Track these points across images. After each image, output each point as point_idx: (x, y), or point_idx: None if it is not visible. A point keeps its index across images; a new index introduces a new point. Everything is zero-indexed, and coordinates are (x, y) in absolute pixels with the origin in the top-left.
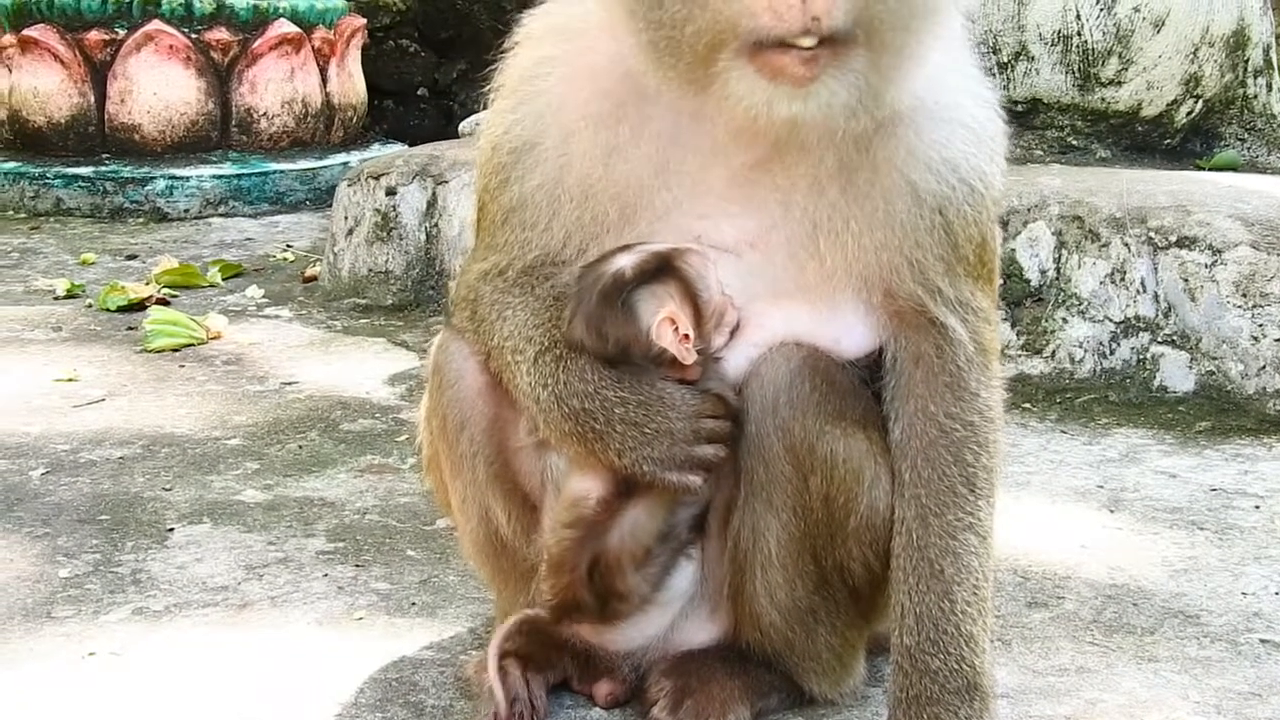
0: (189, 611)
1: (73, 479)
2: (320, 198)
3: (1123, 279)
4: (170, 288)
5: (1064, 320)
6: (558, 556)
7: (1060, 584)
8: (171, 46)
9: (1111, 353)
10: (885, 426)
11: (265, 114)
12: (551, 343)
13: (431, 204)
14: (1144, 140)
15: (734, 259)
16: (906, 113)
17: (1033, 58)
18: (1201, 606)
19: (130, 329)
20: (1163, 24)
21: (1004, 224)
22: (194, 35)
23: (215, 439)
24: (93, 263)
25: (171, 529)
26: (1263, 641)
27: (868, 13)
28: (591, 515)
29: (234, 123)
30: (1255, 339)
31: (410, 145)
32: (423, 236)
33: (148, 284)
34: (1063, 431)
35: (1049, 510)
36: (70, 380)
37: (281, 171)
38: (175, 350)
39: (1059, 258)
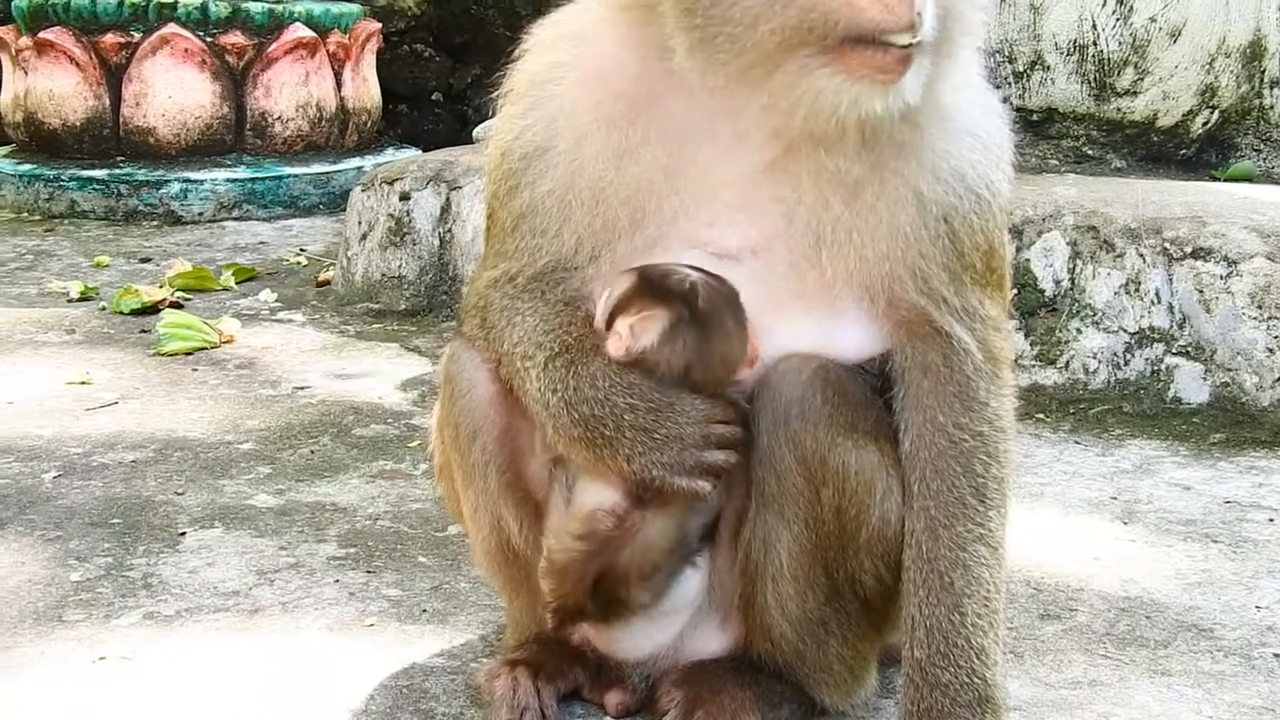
0: (200, 616)
1: (85, 482)
2: (334, 202)
3: (1137, 290)
4: (184, 291)
5: (1078, 331)
6: (563, 565)
7: (1073, 596)
8: (187, 50)
9: (1126, 364)
10: (897, 437)
11: (280, 118)
12: (562, 348)
13: (445, 209)
14: (1159, 150)
15: (735, 265)
16: (916, 119)
17: (1048, 67)
18: (1215, 620)
19: (144, 332)
20: (1179, 34)
21: (1018, 233)
22: (209, 39)
23: (227, 443)
24: (107, 265)
25: (183, 533)
26: (1276, 656)
27: (940, 15)
28: (605, 530)
29: (248, 126)
30: (1270, 351)
31: (424, 150)
32: (436, 242)
33: (161, 287)
34: (1076, 442)
35: (1062, 521)
36: (83, 383)
37: (295, 175)
38: (188, 354)
39: (1073, 268)
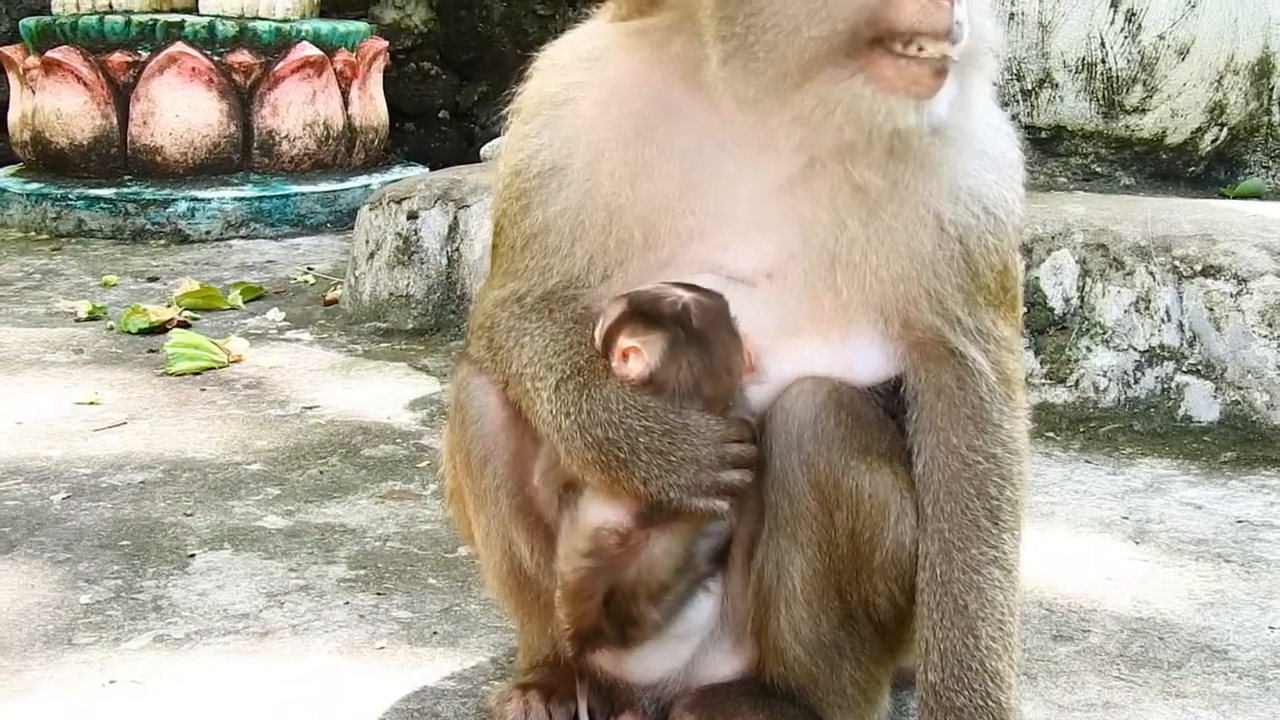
0: (210, 639)
1: (94, 504)
2: (341, 220)
3: (1147, 308)
4: (191, 310)
5: (1088, 349)
6: (574, 585)
7: (1086, 617)
8: (194, 69)
9: (1136, 382)
10: (910, 459)
11: (287, 136)
12: (573, 370)
13: (453, 228)
14: (1168, 168)
15: (750, 289)
16: (939, 137)
17: (1057, 85)
18: (1229, 641)
19: (151, 352)
20: (1187, 52)
21: (1028, 251)
22: (216, 58)
23: (236, 464)
24: (114, 285)
25: (192, 555)
26: None
27: (972, 33)
28: (611, 546)
29: (255, 145)
30: None
31: (431, 168)
32: (444, 260)
33: (169, 306)
34: (1087, 461)
35: (1073, 541)
36: (91, 403)
37: (303, 194)
38: (196, 374)
39: (1083, 286)
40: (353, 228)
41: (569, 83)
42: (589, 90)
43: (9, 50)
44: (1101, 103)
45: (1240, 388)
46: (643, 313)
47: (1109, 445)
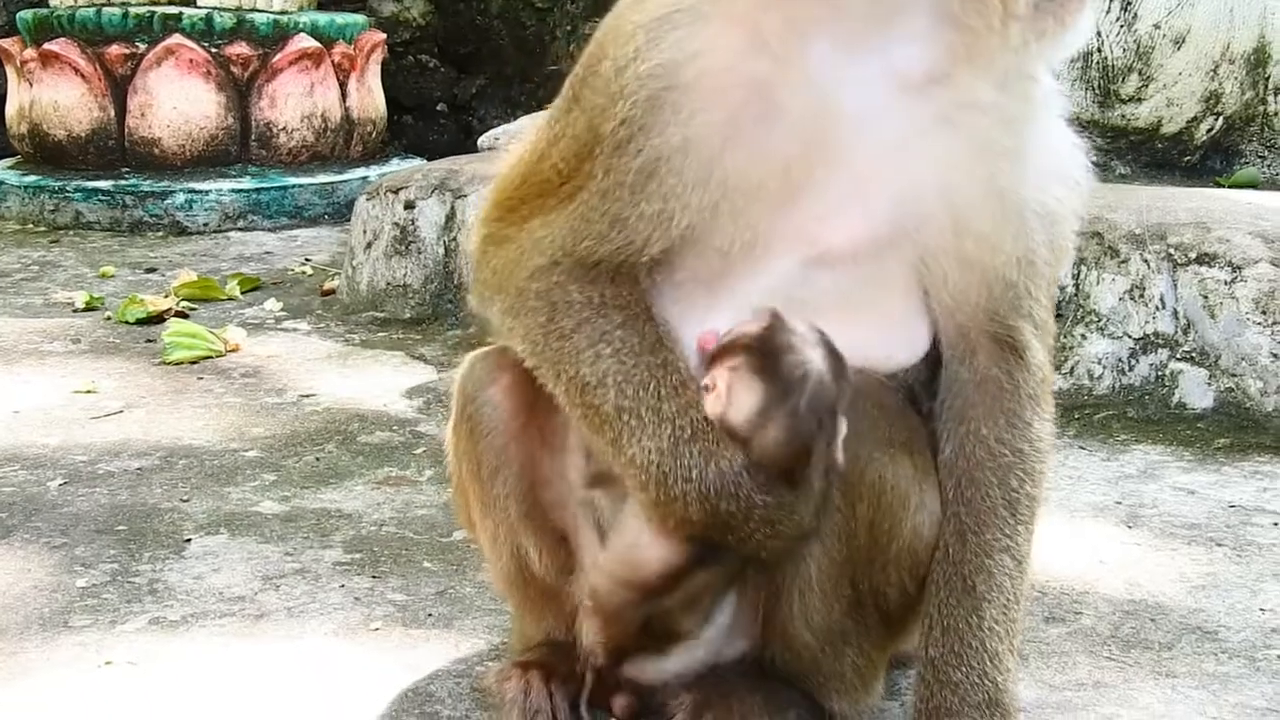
0: (206, 622)
1: (90, 490)
2: (339, 212)
3: (1142, 295)
4: (189, 301)
5: (1083, 336)
6: (612, 610)
7: (1078, 599)
8: (192, 61)
9: (1130, 369)
10: (931, 447)
11: (285, 128)
12: (695, 430)
13: (450, 218)
14: (1164, 157)
15: (829, 271)
16: (1041, 85)
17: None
18: (1219, 623)
19: (149, 341)
20: (1183, 41)
21: None
22: (214, 50)
23: (233, 451)
24: (112, 276)
25: (189, 540)
26: None
27: None
28: (659, 582)
29: (253, 137)
30: (1275, 356)
31: (429, 160)
32: (441, 250)
33: (166, 297)
34: (1081, 447)
35: (1067, 526)
36: (89, 392)
37: (300, 186)
38: (193, 363)
39: (1078, 274)
40: (350, 219)
41: (677, 8)
42: (701, 15)
43: (6, 43)
44: (1097, 92)
45: (1234, 375)
46: (765, 356)
47: (1103, 431)
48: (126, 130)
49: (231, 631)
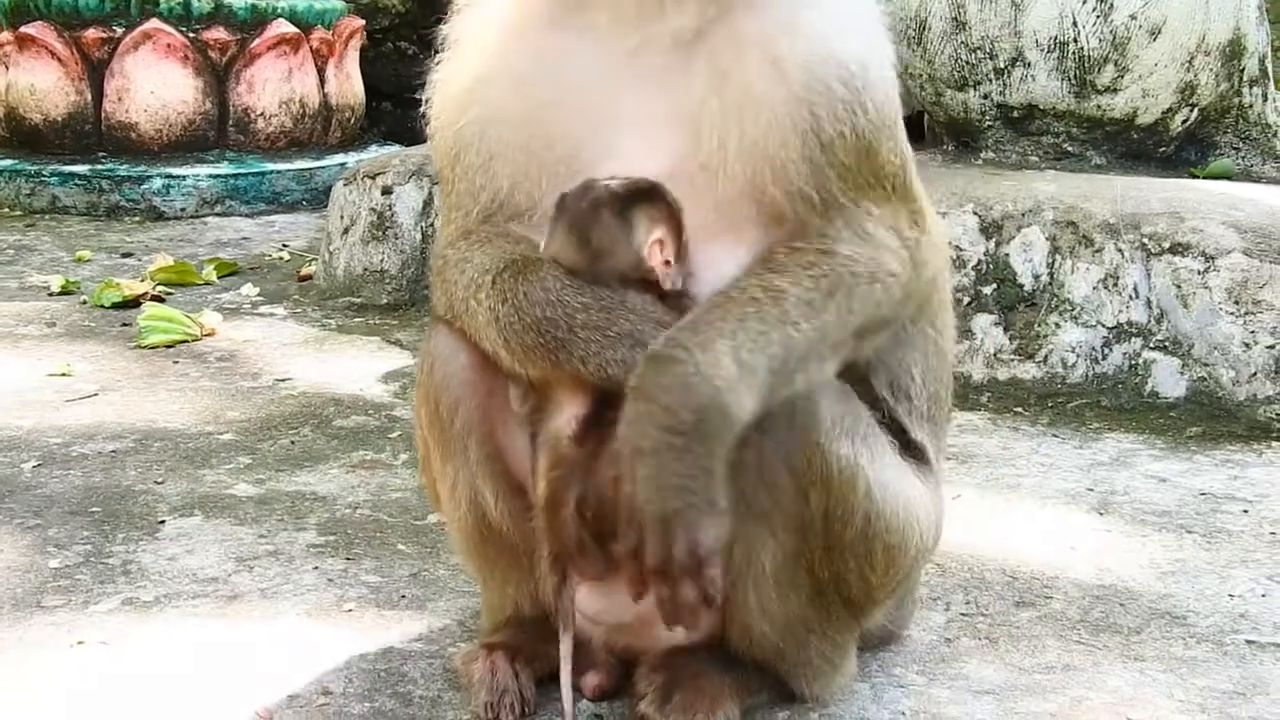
0: (179, 602)
1: (64, 472)
2: (317, 198)
3: (1116, 285)
4: (165, 285)
5: (1056, 325)
6: (547, 497)
7: (1048, 584)
8: (169, 45)
9: (1104, 358)
10: (863, 425)
11: (263, 114)
12: (508, 263)
13: (428, 203)
14: (1139, 148)
15: None
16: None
17: (1029, 64)
18: (1188, 608)
19: (125, 325)
20: (1159, 32)
21: (998, 228)
22: (192, 34)
23: (208, 434)
24: (88, 260)
25: (162, 521)
26: (1248, 642)
27: None
28: (569, 450)
29: (231, 122)
30: (1247, 346)
31: (407, 147)
32: (418, 236)
33: (143, 281)
34: (1054, 435)
35: (1039, 513)
36: (63, 375)
37: (278, 171)
38: (169, 346)
39: (1052, 263)
40: (327, 205)
41: (475, 18)
42: (482, 16)
43: None
44: (1073, 82)
45: (1206, 364)
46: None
47: (1076, 420)
48: (103, 115)
49: (205, 612)
